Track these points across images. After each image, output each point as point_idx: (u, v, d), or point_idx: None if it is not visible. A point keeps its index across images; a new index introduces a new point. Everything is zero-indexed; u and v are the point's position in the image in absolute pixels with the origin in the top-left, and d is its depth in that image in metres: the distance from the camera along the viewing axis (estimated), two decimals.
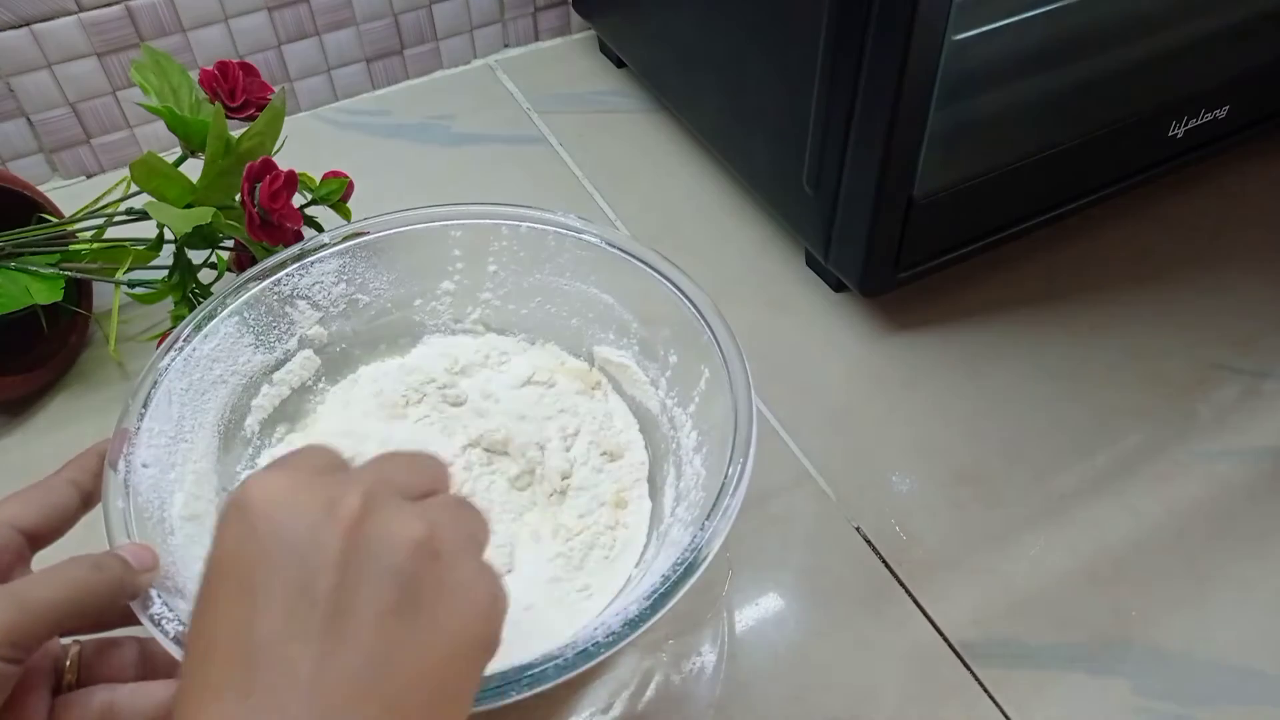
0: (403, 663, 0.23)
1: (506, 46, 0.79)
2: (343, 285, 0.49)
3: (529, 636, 0.39)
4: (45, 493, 0.36)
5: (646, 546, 0.44)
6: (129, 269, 0.52)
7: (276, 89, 0.52)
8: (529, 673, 0.32)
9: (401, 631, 0.24)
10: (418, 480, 0.28)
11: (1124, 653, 0.44)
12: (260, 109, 0.52)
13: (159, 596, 0.34)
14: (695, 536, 0.36)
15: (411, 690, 0.23)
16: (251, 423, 0.47)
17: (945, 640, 0.45)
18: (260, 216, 0.49)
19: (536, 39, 0.80)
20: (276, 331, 0.47)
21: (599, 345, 0.50)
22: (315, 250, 0.48)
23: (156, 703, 0.34)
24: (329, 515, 0.25)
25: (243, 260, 0.54)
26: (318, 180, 0.54)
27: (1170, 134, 0.58)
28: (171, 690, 0.34)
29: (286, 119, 0.52)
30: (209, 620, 0.25)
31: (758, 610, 0.46)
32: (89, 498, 0.37)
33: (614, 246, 0.47)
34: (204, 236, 0.51)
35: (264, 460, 0.47)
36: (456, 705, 0.25)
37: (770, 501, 0.50)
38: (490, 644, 0.26)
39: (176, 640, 0.33)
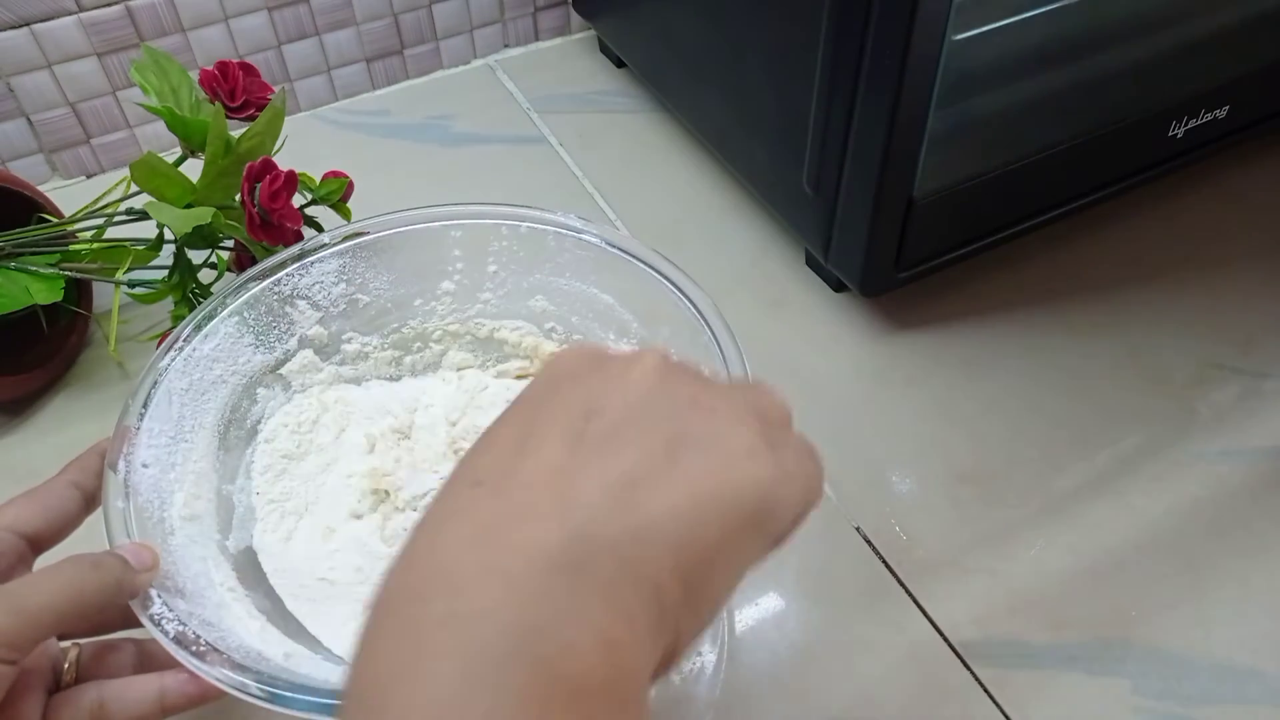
0: (654, 494, 0.22)
1: (506, 46, 0.79)
2: (343, 285, 0.49)
3: None
4: (46, 496, 0.36)
5: None
6: (129, 269, 0.52)
7: (276, 89, 0.52)
8: None
9: (661, 468, 0.23)
10: (698, 370, 0.28)
11: (1124, 653, 0.44)
12: (260, 109, 0.52)
13: (159, 596, 0.34)
14: None
15: (662, 521, 0.22)
16: (251, 423, 0.47)
17: (945, 640, 0.45)
18: (260, 216, 0.49)
19: (536, 39, 0.80)
20: (276, 331, 0.47)
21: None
22: (315, 250, 0.48)
23: (147, 696, 0.34)
24: (625, 370, 0.26)
25: (243, 260, 0.54)
26: (318, 180, 0.54)
27: (1170, 134, 0.58)
28: (161, 682, 0.34)
29: (286, 119, 0.52)
30: (493, 429, 0.25)
31: (758, 610, 0.46)
32: (91, 500, 0.37)
33: (614, 246, 0.47)
34: (204, 236, 0.51)
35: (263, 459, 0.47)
36: (710, 566, 0.23)
37: None
38: (759, 509, 0.24)
39: (176, 640, 0.33)
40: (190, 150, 0.52)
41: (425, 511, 0.23)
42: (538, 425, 0.24)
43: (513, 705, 0.19)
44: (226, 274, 0.54)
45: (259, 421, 0.47)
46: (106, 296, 0.55)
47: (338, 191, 0.54)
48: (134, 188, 0.51)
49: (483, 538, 0.22)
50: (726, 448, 0.24)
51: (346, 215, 0.55)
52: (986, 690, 0.43)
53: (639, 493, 0.22)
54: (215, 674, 0.32)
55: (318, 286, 0.48)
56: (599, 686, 0.20)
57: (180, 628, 0.34)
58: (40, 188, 0.56)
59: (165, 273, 0.52)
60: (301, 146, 0.56)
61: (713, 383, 0.27)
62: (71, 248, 0.52)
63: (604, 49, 0.77)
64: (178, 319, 0.52)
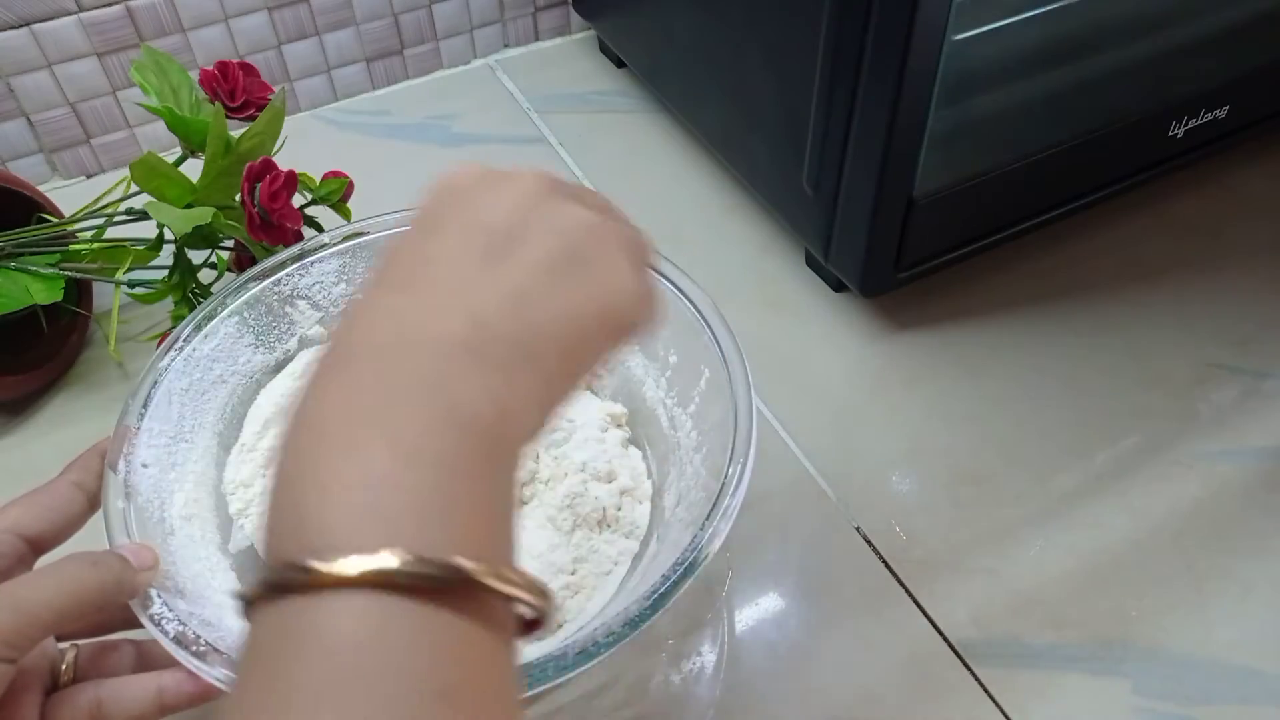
0: (543, 303, 0.26)
1: (506, 46, 0.79)
2: (343, 285, 0.49)
3: None
4: (48, 497, 0.36)
5: (646, 546, 0.44)
6: (129, 269, 0.52)
7: (276, 89, 0.52)
8: (530, 672, 0.32)
9: (547, 281, 0.26)
10: (589, 196, 0.30)
11: (1124, 653, 0.44)
12: (260, 109, 0.52)
13: (159, 596, 0.34)
14: (695, 536, 0.36)
15: (547, 326, 0.26)
16: (251, 423, 0.47)
17: (945, 640, 0.45)
18: (260, 216, 0.49)
19: (536, 39, 0.80)
20: (276, 331, 0.47)
21: None
22: (315, 250, 0.48)
23: (144, 694, 0.34)
24: (516, 182, 0.28)
25: (243, 260, 0.54)
26: (318, 180, 0.54)
27: (1170, 134, 0.58)
28: (159, 681, 0.34)
29: (286, 119, 0.52)
30: (393, 246, 0.28)
31: (758, 610, 0.46)
32: (94, 500, 0.37)
33: None
34: (204, 236, 0.51)
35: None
36: (580, 360, 0.27)
37: (770, 501, 0.50)
38: (624, 324, 0.28)
39: (176, 640, 0.33)
40: (190, 150, 0.52)
41: (349, 305, 0.26)
42: (438, 237, 0.27)
43: (433, 441, 0.23)
44: (226, 274, 0.54)
45: None
46: (106, 296, 0.55)
47: (338, 191, 0.54)
48: (134, 188, 0.51)
49: (401, 329, 0.25)
50: (608, 271, 0.28)
51: (346, 215, 0.55)
52: (986, 690, 0.43)
53: (527, 302, 0.26)
54: (215, 674, 0.33)
55: (318, 286, 0.48)
56: (495, 442, 0.24)
57: (180, 628, 0.34)
58: (40, 188, 0.56)
59: (165, 273, 0.52)
60: (301, 146, 0.56)
61: (591, 203, 0.30)
62: (71, 248, 0.52)
63: (604, 49, 0.77)
64: (178, 319, 0.52)
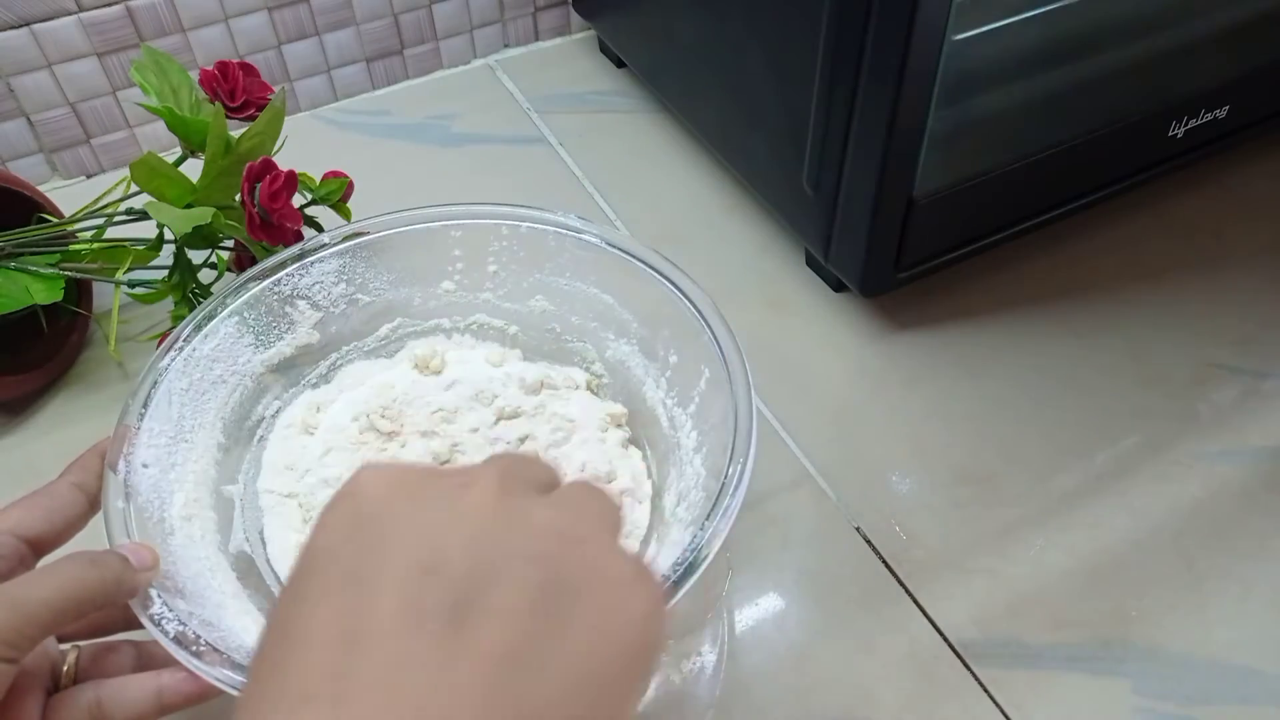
0: (544, 670, 0.19)
1: (506, 46, 0.79)
2: (343, 285, 0.49)
3: None
4: (49, 498, 0.36)
5: (646, 547, 0.44)
6: (129, 269, 0.52)
7: (276, 89, 0.52)
8: None
9: (543, 632, 0.19)
10: (542, 472, 0.24)
11: (1124, 653, 0.44)
12: (260, 109, 0.52)
13: (159, 596, 0.34)
14: (695, 536, 0.36)
15: (555, 700, 0.19)
16: (251, 423, 0.47)
17: (945, 640, 0.45)
18: (260, 216, 0.49)
19: (536, 39, 0.80)
20: (276, 331, 0.47)
21: (603, 347, 0.50)
22: (315, 250, 0.48)
23: (144, 694, 0.34)
24: (458, 497, 0.21)
25: (243, 260, 0.54)
26: (318, 180, 0.54)
27: (1170, 134, 0.58)
28: (159, 681, 0.34)
29: (286, 119, 0.52)
30: (295, 611, 0.19)
31: (758, 610, 0.46)
32: (95, 501, 0.37)
33: (614, 246, 0.47)
34: (204, 236, 0.51)
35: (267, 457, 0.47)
36: None
37: (770, 501, 0.50)
38: (649, 655, 0.21)
39: (176, 640, 0.33)
40: (190, 150, 0.52)
41: None
42: (363, 594, 0.19)
43: None
44: (226, 274, 0.54)
45: (259, 422, 0.47)
46: (106, 296, 0.55)
47: (338, 191, 0.54)
48: (134, 188, 0.50)
49: None
50: (611, 593, 0.21)
51: (346, 215, 0.55)
52: (986, 690, 0.43)
53: (523, 677, 0.18)
54: (215, 674, 0.33)
55: (318, 286, 0.48)
56: None
57: (180, 628, 0.34)
58: (40, 188, 0.56)
59: (165, 273, 0.52)
60: (301, 146, 0.55)
61: (558, 494, 0.23)
62: (71, 248, 0.52)
63: (604, 49, 0.77)
64: (178, 319, 0.52)
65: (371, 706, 0.17)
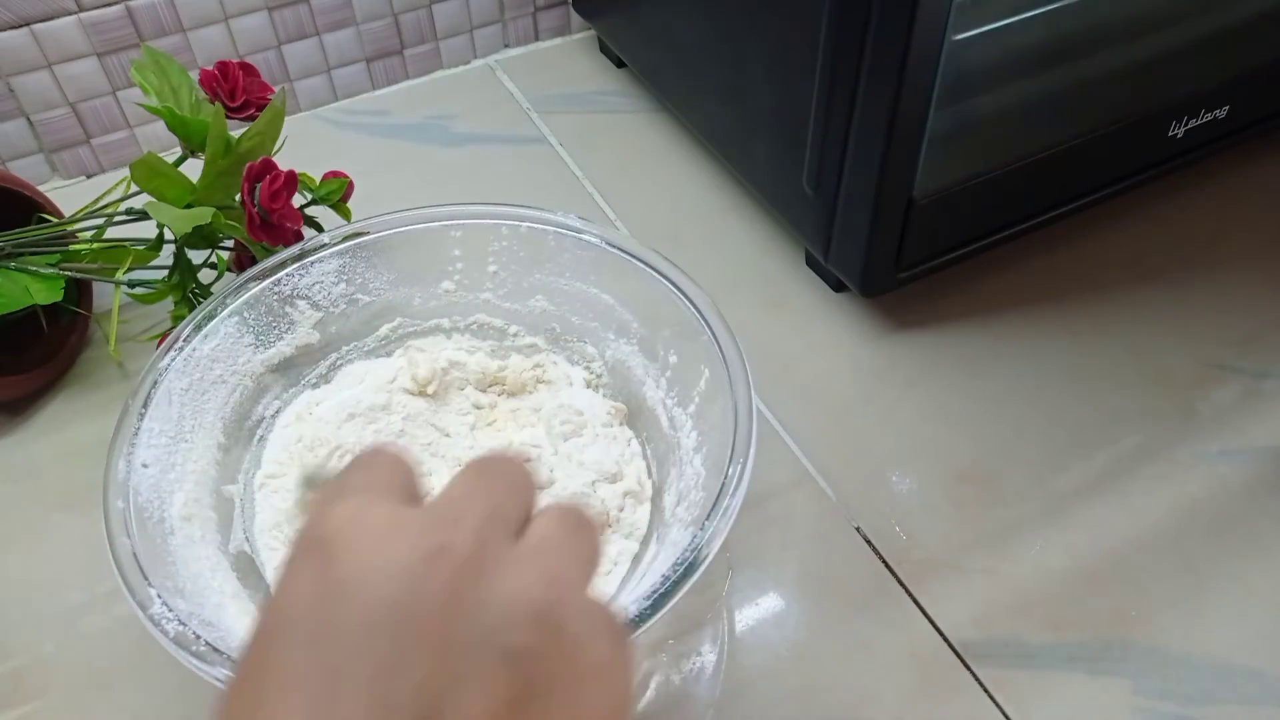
0: None
1: (506, 46, 0.79)
2: (343, 285, 0.49)
3: None
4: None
5: (646, 547, 0.44)
6: (129, 269, 0.52)
7: (276, 89, 0.52)
8: None
9: None
10: (521, 502, 0.23)
11: (1124, 653, 0.44)
12: (260, 109, 0.52)
13: (159, 596, 0.34)
14: (695, 536, 0.36)
15: None
16: (251, 423, 0.47)
17: (945, 640, 0.45)
18: (260, 216, 0.49)
19: (536, 39, 0.80)
20: (276, 331, 0.47)
21: (603, 346, 0.50)
22: (315, 250, 0.48)
23: None
24: (431, 570, 0.20)
25: (243, 260, 0.54)
26: (318, 180, 0.54)
27: (1170, 134, 0.58)
28: None
29: (286, 119, 0.52)
30: (262, 696, 0.19)
31: (758, 610, 0.46)
32: None
33: (614, 246, 0.47)
34: (204, 236, 0.51)
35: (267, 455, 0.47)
36: None
37: (770, 501, 0.50)
38: None
39: (176, 640, 0.33)
40: (190, 150, 0.52)
41: None
42: (330, 691, 0.18)
43: None
44: (226, 274, 0.54)
45: (259, 422, 0.47)
46: (106, 296, 0.55)
47: (338, 191, 0.54)
48: (134, 188, 0.51)
49: None
50: (584, 689, 0.20)
51: (346, 215, 0.55)
52: (986, 690, 0.43)
53: None
54: (215, 674, 0.33)
55: (318, 286, 0.48)
56: None
57: (180, 628, 0.34)
58: (40, 188, 0.56)
59: (165, 273, 0.52)
60: (301, 146, 0.56)
61: (535, 537, 0.22)
62: (71, 248, 0.52)
63: (604, 49, 0.77)
64: (178, 319, 0.52)
65: None
